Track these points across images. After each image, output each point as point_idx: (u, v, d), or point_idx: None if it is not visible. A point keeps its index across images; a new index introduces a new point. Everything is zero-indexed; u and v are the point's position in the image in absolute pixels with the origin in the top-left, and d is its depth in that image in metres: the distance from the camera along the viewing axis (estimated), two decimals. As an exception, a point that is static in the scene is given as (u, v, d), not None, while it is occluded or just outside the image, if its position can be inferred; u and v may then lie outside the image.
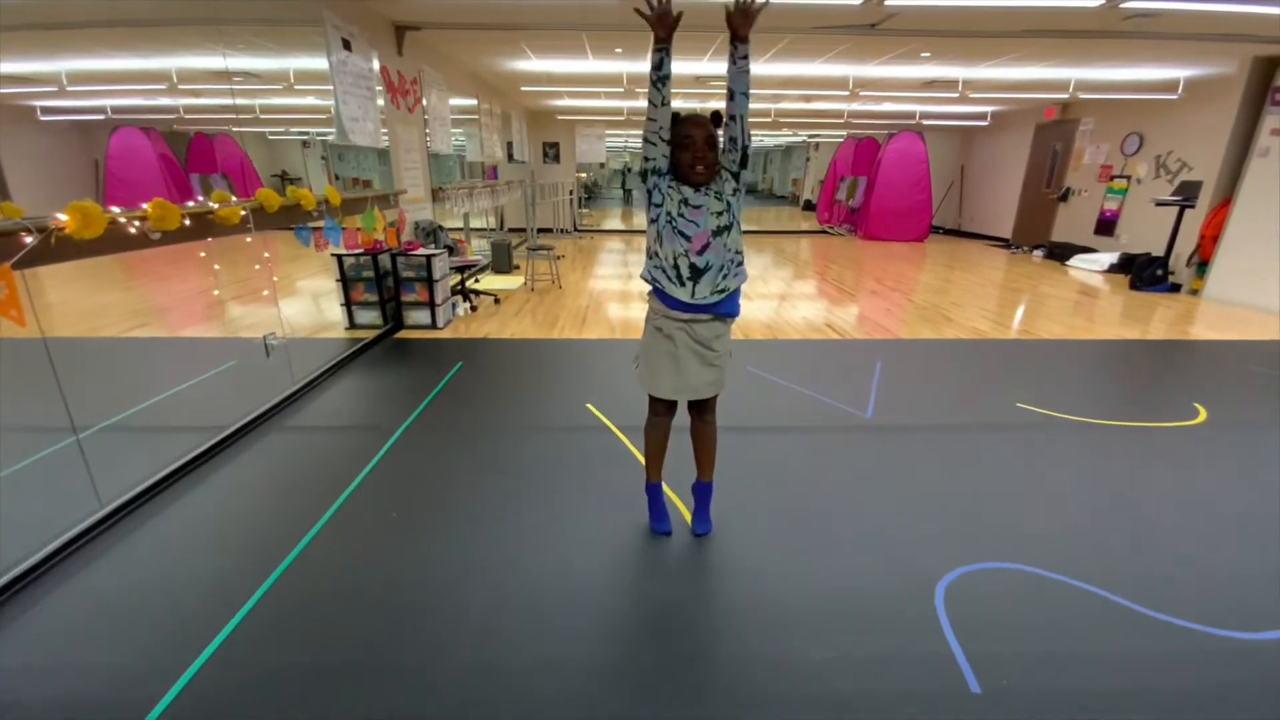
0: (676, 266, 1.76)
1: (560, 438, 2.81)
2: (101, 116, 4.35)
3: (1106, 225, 8.24)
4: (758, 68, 6.25)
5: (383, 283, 4.46)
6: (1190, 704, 1.43)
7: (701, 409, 2.00)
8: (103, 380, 3.53)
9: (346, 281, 4.43)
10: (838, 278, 7.35)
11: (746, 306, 5.46)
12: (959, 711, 1.41)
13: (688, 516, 2.15)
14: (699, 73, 6.80)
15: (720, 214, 1.74)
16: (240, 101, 3.48)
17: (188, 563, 1.92)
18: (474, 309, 5.33)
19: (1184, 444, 2.84)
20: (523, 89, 8.27)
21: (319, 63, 3.68)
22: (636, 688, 1.46)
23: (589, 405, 3.15)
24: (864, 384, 3.53)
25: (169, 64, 4.07)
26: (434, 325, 4.63)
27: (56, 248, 1.86)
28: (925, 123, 10.59)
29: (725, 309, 1.83)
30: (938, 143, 11.31)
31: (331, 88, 3.70)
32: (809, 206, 16.89)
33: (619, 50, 5.85)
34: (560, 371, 3.85)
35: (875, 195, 10.86)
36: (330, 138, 4.25)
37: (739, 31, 1.61)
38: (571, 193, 11.55)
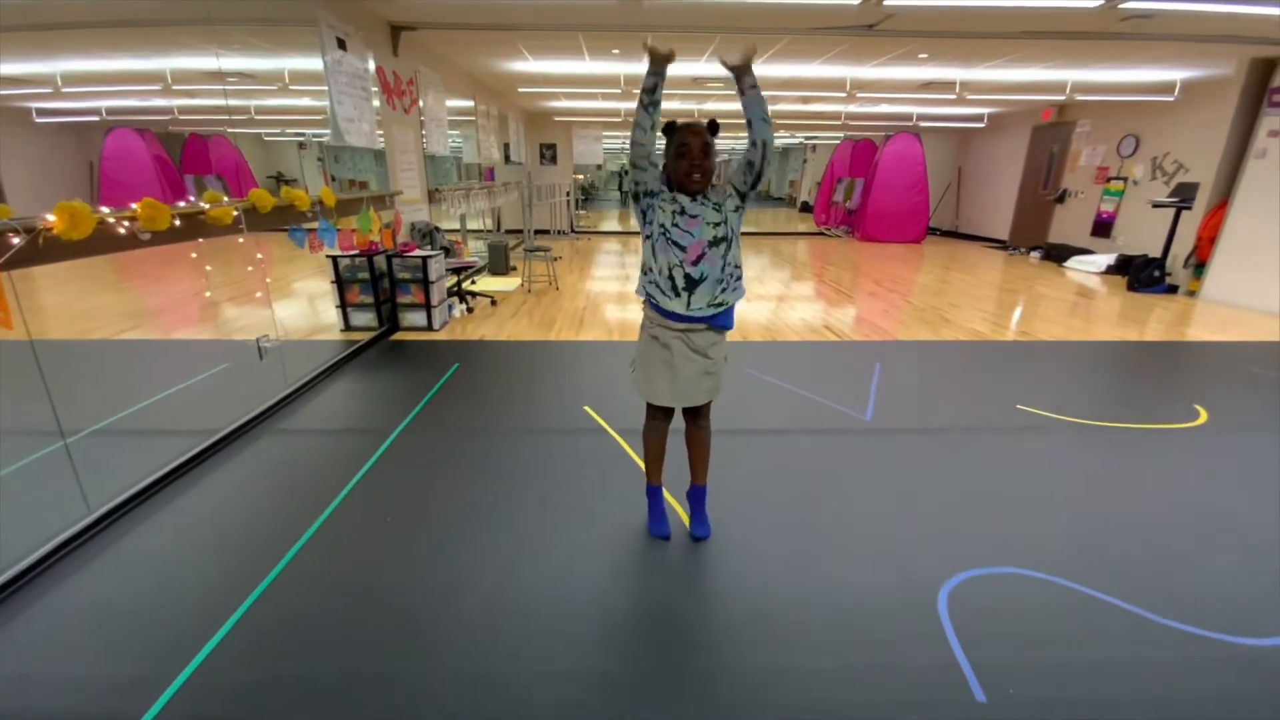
0: (671, 278, 1.73)
1: (557, 441, 2.79)
2: (96, 118, 4.31)
3: (1103, 227, 8.25)
4: (757, 68, 6.23)
5: (378, 284, 4.43)
6: (1195, 711, 1.41)
7: (696, 413, 1.98)
8: (94, 383, 3.49)
9: (342, 283, 4.40)
10: (835, 279, 7.33)
11: (744, 308, 5.45)
12: (964, 721, 1.38)
13: (686, 521, 2.13)
14: (696, 74, 6.79)
15: (717, 225, 1.71)
16: (235, 102, 3.46)
17: (177, 569, 1.88)
18: (470, 311, 5.30)
19: (1186, 446, 2.82)
20: (520, 90, 8.26)
21: (314, 63, 3.65)
22: (635, 697, 1.43)
23: (586, 408, 3.12)
24: (863, 386, 3.51)
25: (163, 64, 4.04)
26: (430, 327, 4.60)
27: (45, 249, 1.83)
28: (922, 124, 10.60)
29: (721, 322, 1.83)
30: (935, 144, 11.32)
31: (326, 88, 3.67)
32: (806, 208, 16.90)
33: (616, 51, 5.83)
34: (557, 374, 3.82)
35: (872, 197, 10.85)
36: (326, 139, 4.22)
37: (734, 68, 1.65)
38: (568, 194, 11.53)
